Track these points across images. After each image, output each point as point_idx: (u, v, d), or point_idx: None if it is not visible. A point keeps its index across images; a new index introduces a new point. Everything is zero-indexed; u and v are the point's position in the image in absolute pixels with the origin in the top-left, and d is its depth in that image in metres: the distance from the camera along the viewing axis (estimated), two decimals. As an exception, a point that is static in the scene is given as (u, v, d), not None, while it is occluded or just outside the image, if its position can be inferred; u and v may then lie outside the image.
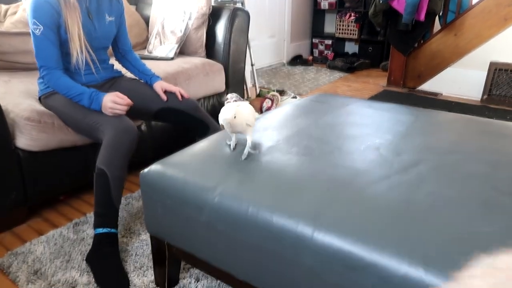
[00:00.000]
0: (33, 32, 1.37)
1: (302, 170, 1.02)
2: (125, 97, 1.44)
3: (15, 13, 1.96)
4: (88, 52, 1.49)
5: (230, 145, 1.15)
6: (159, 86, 1.68)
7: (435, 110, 1.54)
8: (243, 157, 1.08)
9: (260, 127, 1.34)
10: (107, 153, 1.33)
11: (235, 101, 2.27)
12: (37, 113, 1.48)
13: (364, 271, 0.76)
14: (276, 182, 0.97)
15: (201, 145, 1.20)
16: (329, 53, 4.96)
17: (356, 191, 0.92)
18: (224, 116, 1.04)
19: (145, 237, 1.46)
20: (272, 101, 2.70)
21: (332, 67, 4.55)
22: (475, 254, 0.72)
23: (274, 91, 3.06)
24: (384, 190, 0.91)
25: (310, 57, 4.98)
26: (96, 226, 1.32)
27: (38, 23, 1.35)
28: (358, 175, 0.98)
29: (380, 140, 1.20)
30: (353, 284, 0.77)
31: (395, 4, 3.31)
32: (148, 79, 1.72)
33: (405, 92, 3.59)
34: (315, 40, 5.12)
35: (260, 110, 2.64)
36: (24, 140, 1.46)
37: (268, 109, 2.65)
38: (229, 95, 2.28)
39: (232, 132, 1.11)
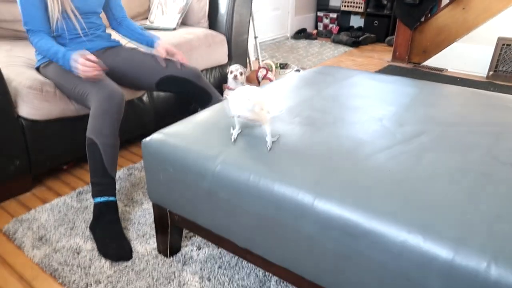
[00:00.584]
0: None
1: (304, 140, 1.02)
2: (92, 57, 1.37)
3: (14, -20, 1.92)
4: (75, 16, 1.46)
5: (232, 135, 1.03)
6: (162, 48, 1.65)
7: (439, 83, 1.53)
8: (269, 148, 0.98)
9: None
10: (94, 122, 1.33)
11: (242, 83, 2.23)
12: (39, 82, 1.48)
13: (363, 238, 0.77)
14: (278, 151, 0.97)
15: (204, 115, 1.20)
16: (334, 27, 4.88)
17: (358, 160, 0.92)
18: (242, 110, 0.93)
19: (147, 206, 1.48)
20: (267, 69, 2.66)
21: (337, 41, 4.48)
22: (473, 223, 0.72)
23: (277, 65, 3.02)
24: (385, 160, 0.91)
25: (315, 31, 4.90)
26: (94, 195, 1.33)
27: None
28: (360, 145, 0.98)
29: (384, 111, 1.19)
30: (352, 250, 0.79)
31: (403, -24, 3.23)
32: (148, 40, 1.70)
33: (410, 67, 3.54)
34: (320, 14, 5.02)
35: (257, 80, 2.61)
36: (27, 109, 1.46)
37: (264, 77, 2.61)
38: (233, 67, 2.25)
39: (249, 122, 1.01)
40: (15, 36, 1.93)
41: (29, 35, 1.41)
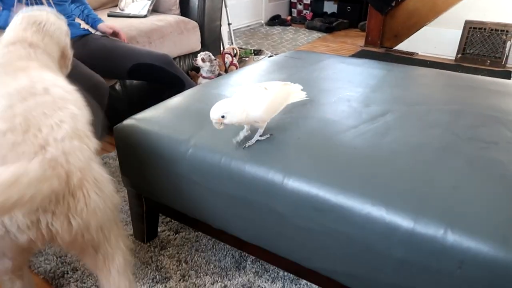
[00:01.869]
0: None
1: (273, 121, 1.04)
2: None
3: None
4: (48, 2, 1.43)
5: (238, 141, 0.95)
6: (106, 26, 1.66)
7: (407, 65, 1.57)
8: (248, 144, 0.93)
9: (234, 82, 1.34)
10: None
11: (203, 59, 2.20)
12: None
13: (330, 213, 0.80)
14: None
15: (175, 100, 1.21)
16: (308, 13, 4.89)
17: (325, 139, 0.95)
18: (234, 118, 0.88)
19: (123, 194, 1.48)
20: (231, 55, 2.65)
21: (311, 28, 4.50)
22: (431, 194, 0.77)
23: (250, 51, 3.02)
24: (351, 138, 0.95)
25: (289, 17, 4.90)
26: None
27: None
28: (327, 125, 1.01)
29: (352, 92, 1.23)
30: (321, 225, 0.82)
31: (373, -39, 3.26)
32: (93, 21, 1.69)
33: (382, 52, 3.61)
34: (294, 0, 5.02)
35: (224, 67, 2.60)
36: None
37: (231, 64, 2.61)
38: (199, 55, 2.22)
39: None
40: None
41: None
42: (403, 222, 0.73)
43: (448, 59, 3.36)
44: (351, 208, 0.78)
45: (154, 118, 1.09)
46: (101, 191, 0.77)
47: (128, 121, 1.10)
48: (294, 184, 0.84)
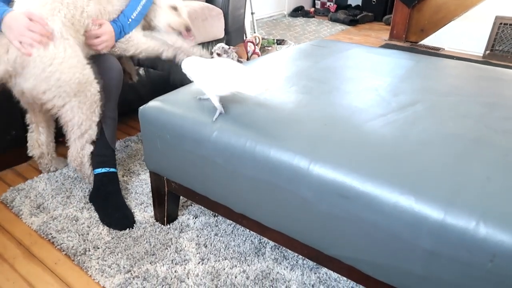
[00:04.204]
0: None
1: (300, 107, 1.03)
2: (38, 17, 1.12)
3: None
4: None
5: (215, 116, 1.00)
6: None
7: (435, 57, 1.53)
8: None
9: (260, 67, 1.33)
10: None
11: (218, 54, 2.19)
12: (34, 51, 1.46)
13: (356, 200, 0.78)
14: (274, 118, 0.98)
15: (200, 84, 1.20)
16: (332, 5, 4.83)
17: (353, 127, 0.93)
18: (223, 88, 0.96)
19: (144, 176, 1.49)
20: (254, 43, 2.63)
21: (334, 20, 4.44)
22: (463, 185, 0.74)
23: (273, 41, 3.00)
24: (379, 126, 0.93)
25: (312, 9, 4.85)
26: (95, 167, 1.34)
27: None
28: (355, 113, 0.99)
29: (379, 82, 1.20)
30: (346, 212, 0.80)
31: (402, -48, 3.18)
32: None
33: (407, 46, 3.53)
34: (318, -9, 4.96)
35: (246, 56, 2.58)
36: (22, 79, 1.45)
37: (254, 53, 2.59)
38: (216, 46, 2.21)
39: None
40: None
41: None
42: (433, 212, 0.71)
43: (476, 55, 3.27)
44: (378, 196, 0.76)
45: (179, 100, 1.09)
46: None
47: (153, 103, 1.10)
48: (320, 170, 0.82)
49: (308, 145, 0.87)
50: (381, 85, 1.18)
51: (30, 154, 1.46)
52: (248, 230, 1.23)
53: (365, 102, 1.06)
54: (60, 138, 1.74)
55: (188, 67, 1.04)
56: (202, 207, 1.32)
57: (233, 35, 2.44)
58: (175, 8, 1.58)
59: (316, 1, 5.01)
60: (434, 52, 3.35)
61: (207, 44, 2.29)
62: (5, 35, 1.10)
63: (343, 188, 0.80)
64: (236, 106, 1.03)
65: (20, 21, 1.08)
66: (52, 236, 1.20)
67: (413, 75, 1.28)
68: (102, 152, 1.34)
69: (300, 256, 1.13)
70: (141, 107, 1.10)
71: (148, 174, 1.50)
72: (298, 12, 4.69)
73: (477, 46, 3.27)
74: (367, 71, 1.31)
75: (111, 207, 1.28)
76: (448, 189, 0.74)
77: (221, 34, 2.34)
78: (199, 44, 2.21)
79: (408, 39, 3.63)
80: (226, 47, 2.22)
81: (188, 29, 1.59)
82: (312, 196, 0.85)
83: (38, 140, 1.44)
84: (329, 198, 0.82)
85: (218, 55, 2.17)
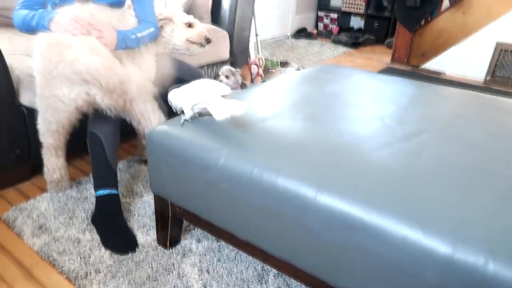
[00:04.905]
0: None
1: (306, 134, 1.04)
2: (83, 19, 1.29)
3: (18, -31, 1.92)
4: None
5: (182, 119, 1.10)
6: None
7: (439, 85, 1.55)
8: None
9: (265, 93, 1.34)
10: (97, 116, 1.33)
11: (226, 76, 2.22)
12: (42, 71, 1.48)
13: (363, 231, 0.78)
14: (281, 145, 0.98)
15: (207, 108, 1.21)
16: (334, 27, 4.90)
17: (359, 155, 0.93)
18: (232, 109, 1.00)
19: (147, 198, 1.49)
20: (257, 65, 2.66)
21: (337, 42, 4.50)
22: (471, 218, 0.74)
23: (277, 63, 3.03)
24: (386, 156, 0.93)
25: (315, 31, 4.91)
26: (96, 188, 1.34)
27: None
28: (361, 141, 1.00)
29: (384, 109, 1.21)
30: (353, 243, 0.80)
31: (404, -21, 3.25)
32: None
33: (409, 69, 3.57)
34: (321, 13, 5.04)
35: (250, 77, 2.61)
36: (29, 97, 1.46)
37: (257, 75, 2.62)
38: (221, 70, 2.23)
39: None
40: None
41: (12, 12, 1.34)
42: (441, 247, 0.70)
43: (477, 80, 3.30)
44: (385, 228, 0.76)
45: (186, 125, 1.09)
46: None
47: (160, 126, 1.10)
48: (327, 199, 0.82)
49: (315, 174, 0.87)
50: (386, 113, 1.18)
51: (50, 179, 1.47)
52: (251, 256, 1.22)
53: (371, 131, 1.06)
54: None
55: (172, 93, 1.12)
56: (205, 231, 1.31)
57: (238, 56, 2.47)
58: (190, 25, 1.64)
59: (319, 23, 5.09)
60: (435, 76, 3.38)
61: (212, 66, 2.31)
62: (52, 30, 1.26)
63: (350, 219, 0.80)
64: (242, 132, 1.04)
65: (66, 17, 1.26)
66: (53, 258, 1.19)
67: (417, 103, 1.29)
68: (104, 173, 1.33)
69: (304, 286, 1.12)
70: (148, 131, 1.11)
71: (151, 196, 1.50)
72: (301, 33, 4.75)
73: (478, 72, 3.31)
74: (372, 98, 1.32)
75: (113, 230, 1.27)
76: (456, 222, 0.73)
77: (226, 55, 2.37)
78: (204, 65, 2.24)
79: (410, 63, 3.67)
80: (233, 69, 2.24)
81: (208, 40, 1.64)
82: (318, 226, 0.85)
83: (57, 164, 1.45)
84: (335, 228, 0.82)
85: (226, 77, 2.20)
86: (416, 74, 3.43)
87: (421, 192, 0.81)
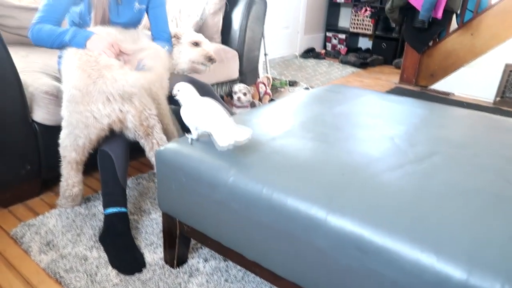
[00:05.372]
0: None
1: (317, 155, 1.03)
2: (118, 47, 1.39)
3: (35, -11, 1.98)
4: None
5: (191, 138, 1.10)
6: None
7: (448, 106, 1.54)
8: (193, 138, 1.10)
9: (275, 112, 1.35)
10: (109, 134, 1.35)
11: (244, 93, 2.25)
12: (55, 87, 1.50)
13: (375, 255, 0.77)
14: (291, 165, 0.98)
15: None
16: (342, 48, 4.94)
17: (370, 177, 0.93)
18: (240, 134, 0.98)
19: (155, 216, 1.48)
20: (265, 84, 2.68)
21: (345, 62, 4.53)
22: (486, 243, 0.73)
23: (286, 82, 3.05)
24: (398, 178, 0.92)
25: (323, 51, 4.96)
26: (105, 206, 1.34)
27: None
28: (372, 162, 0.99)
29: (395, 130, 1.21)
30: (364, 267, 0.78)
31: (412, 1, 3.28)
32: None
33: (417, 90, 3.57)
34: (329, 34, 5.09)
35: (258, 96, 2.63)
36: (41, 114, 1.48)
37: (265, 93, 2.63)
38: (236, 87, 2.25)
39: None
40: (31, 43, 1.96)
41: (37, 21, 1.40)
42: (456, 272, 0.69)
43: (486, 101, 3.29)
44: (398, 252, 0.74)
45: (196, 143, 1.09)
46: None
47: (171, 145, 1.11)
48: (338, 221, 0.81)
49: (326, 195, 0.87)
50: (396, 134, 1.18)
51: (68, 194, 1.47)
52: (259, 277, 1.20)
53: (382, 151, 1.06)
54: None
55: (181, 93, 1.13)
56: (212, 250, 1.30)
57: (247, 75, 2.49)
58: (197, 44, 1.66)
59: (327, 44, 5.14)
60: (444, 97, 3.38)
61: (222, 84, 2.33)
62: (88, 48, 1.35)
63: (361, 242, 0.78)
64: (252, 152, 1.03)
65: (104, 41, 1.36)
66: (60, 276, 1.18)
67: (428, 124, 1.28)
68: (113, 191, 1.33)
69: (313, 307, 1.10)
70: (158, 149, 1.11)
71: (159, 213, 1.49)
72: (309, 53, 4.80)
73: (488, 93, 3.30)
74: (382, 119, 1.31)
75: (120, 249, 1.26)
76: (471, 248, 0.72)
77: (236, 75, 2.39)
78: (214, 84, 2.26)
79: (418, 83, 3.68)
80: (248, 87, 2.27)
81: (211, 60, 1.66)
82: (329, 248, 0.83)
83: (77, 178, 1.46)
84: (346, 251, 0.81)
85: (244, 94, 2.22)
86: (425, 94, 3.43)
87: (434, 215, 0.80)
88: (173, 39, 1.66)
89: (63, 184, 1.46)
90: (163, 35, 1.63)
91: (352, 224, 0.80)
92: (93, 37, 1.36)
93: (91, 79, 1.26)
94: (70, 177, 1.45)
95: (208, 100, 1.09)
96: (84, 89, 1.27)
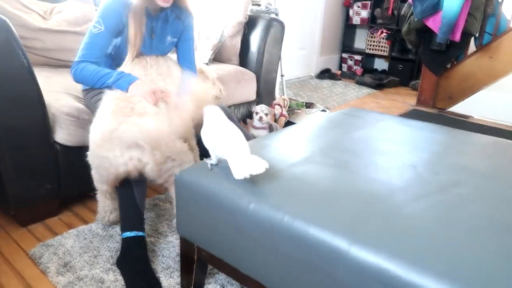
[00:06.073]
0: (91, 28, 1.42)
1: (338, 182, 1.02)
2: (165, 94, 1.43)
3: (60, 11, 2.04)
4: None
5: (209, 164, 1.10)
6: None
7: (471, 132, 1.51)
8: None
9: (293, 136, 1.34)
10: None
11: (266, 114, 2.26)
12: (76, 109, 1.53)
13: (401, 290, 0.74)
14: (312, 193, 0.97)
15: (236, 151, 1.21)
16: (358, 69, 4.94)
17: (394, 207, 0.91)
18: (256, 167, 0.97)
19: (172, 239, 1.48)
20: (281, 106, 2.68)
21: (361, 83, 4.52)
22: (520, 282, 0.70)
23: (302, 104, 3.06)
24: (423, 209, 0.90)
25: (339, 72, 4.97)
26: (123, 230, 1.33)
27: (101, 24, 1.41)
28: (395, 192, 0.97)
29: (417, 157, 1.19)
30: (389, 302, 0.76)
31: (430, 23, 3.28)
32: None
33: (435, 112, 3.53)
34: (345, 55, 5.11)
35: (274, 118, 2.63)
36: (62, 135, 1.51)
37: (281, 115, 2.63)
38: (258, 107, 2.28)
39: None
40: (55, 64, 2.02)
41: (79, 60, 1.45)
42: (487, 312, 0.66)
43: (507, 125, 3.22)
44: (425, 288, 0.72)
45: (216, 168, 1.09)
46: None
47: (190, 169, 1.11)
48: (361, 253, 0.79)
49: (348, 225, 0.85)
50: (418, 162, 1.16)
51: (107, 220, 1.52)
52: (276, 305, 1.17)
53: (404, 180, 1.04)
54: (91, 192, 1.77)
55: (207, 115, 1.11)
56: (230, 277, 1.28)
57: (264, 97, 2.50)
58: (201, 72, 1.73)
59: (342, 64, 5.15)
60: (462, 119, 3.33)
61: (239, 106, 2.35)
62: (129, 92, 1.39)
63: (386, 276, 0.76)
64: (273, 178, 1.03)
65: (147, 87, 1.40)
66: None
67: (451, 151, 1.26)
68: (131, 216, 1.33)
69: None
70: (177, 173, 1.11)
71: (175, 236, 1.48)
72: (325, 74, 4.81)
73: (508, 116, 3.24)
74: (403, 145, 1.30)
75: (137, 275, 1.25)
76: (502, 286, 0.69)
77: (253, 96, 2.40)
78: (231, 106, 2.27)
79: (436, 106, 3.64)
80: (269, 108, 2.29)
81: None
82: (351, 280, 0.81)
83: (112, 206, 1.50)
84: (369, 284, 0.78)
85: (266, 115, 2.23)
86: (443, 117, 3.39)
87: (464, 251, 0.77)
88: (201, 76, 1.77)
89: (100, 211, 1.50)
90: (190, 67, 1.70)
91: (375, 256, 0.78)
92: (137, 82, 1.40)
93: (115, 124, 1.27)
94: (106, 205, 1.49)
95: (229, 126, 1.09)
96: (107, 134, 1.27)
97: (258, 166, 0.97)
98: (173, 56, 1.76)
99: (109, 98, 1.37)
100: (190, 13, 1.63)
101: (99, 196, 1.47)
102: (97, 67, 1.44)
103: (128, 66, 1.48)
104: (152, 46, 1.56)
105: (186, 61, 1.70)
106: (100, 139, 1.28)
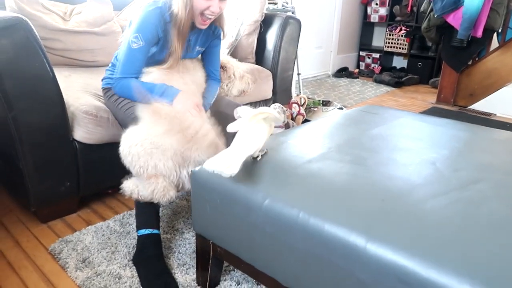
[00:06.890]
0: (130, 43, 1.40)
1: (355, 179, 1.00)
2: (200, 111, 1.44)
3: (80, 12, 2.07)
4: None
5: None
6: None
7: (492, 128, 1.47)
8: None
9: (310, 133, 1.33)
10: None
11: (283, 121, 2.26)
12: (95, 107, 1.55)
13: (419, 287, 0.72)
14: (329, 189, 0.95)
15: (252, 148, 1.21)
16: (376, 67, 4.88)
17: (412, 204, 0.89)
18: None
19: (188, 235, 1.48)
20: (299, 104, 2.66)
21: (379, 81, 4.46)
22: (545, 281, 0.67)
23: (319, 102, 3.03)
24: (442, 206, 0.88)
25: (356, 70, 4.92)
26: (138, 227, 1.34)
27: (141, 40, 1.40)
28: (414, 189, 0.95)
29: (436, 154, 1.16)
30: (407, 300, 0.74)
31: (450, 19, 3.21)
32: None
33: (456, 110, 3.45)
34: (362, 53, 5.05)
35: (291, 116, 2.61)
36: (81, 133, 1.53)
37: (298, 114, 2.61)
38: (272, 106, 2.27)
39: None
40: (74, 64, 2.06)
41: (121, 76, 1.45)
42: (510, 311, 0.64)
43: (531, 123, 3.13)
44: (445, 286, 0.70)
45: (231, 165, 1.09)
46: None
47: (206, 166, 1.11)
48: (378, 250, 0.78)
49: (365, 222, 0.83)
50: (438, 158, 1.13)
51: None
52: (292, 303, 1.16)
53: (423, 177, 1.01)
54: (109, 190, 1.79)
55: (241, 114, 1.14)
56: (245, 274, 1.28)
57: (280, 95, 2.49)
58: (224, 69, 1.77)
59: (360, 63, 5.09)
60: (484, 117, 3.25)
61: (255, 104, 2.34)
62: (174, 105, 1.37)
63: (404, 273, 0.74)
64: (288, 174, 1.02)
65: (190, 101, 1.42)
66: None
67: (472, 148, 1.23)
68: (147, 213, 1.34)
69: (349, 339, 1.05)
70: (193, 170, 1.12)
71: (191, 233, 1.49)
72: (342, 72, 4.76)
73: (532, 113, 3.15)
74: (422, 142, 1.27)
75: (152, 273, 1.25)
76: (526, 285, 0.67)
77: (269, 95, 2.40)
78: (247, 104, 2.27)
79: (457, 103, 3.56)
80: (284, 107, 2.28)
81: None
82: (369, 278, 0.80)
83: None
84: (387, 282, 0.77)
85: (279, 114, 2.23)
86: (464, 114, 3.31)
87: (484, 248, 0.75)
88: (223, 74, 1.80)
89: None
90: (215, 74, 1.72)
91: (393, 253, 0.76)
92: (181, 95, 1.41)
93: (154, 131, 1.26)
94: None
95: (251, 126, 1.08)
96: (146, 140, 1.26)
97: (227, 168, 0.95)
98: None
99: (160, 109, 1.30)
100: (223, 28, 1.65)
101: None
102: (139, 82, 1.44)
103: (166, 75, 1.49)
104: (185, 55, 1.59)
105: (211, 69, 1.72)
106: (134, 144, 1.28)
